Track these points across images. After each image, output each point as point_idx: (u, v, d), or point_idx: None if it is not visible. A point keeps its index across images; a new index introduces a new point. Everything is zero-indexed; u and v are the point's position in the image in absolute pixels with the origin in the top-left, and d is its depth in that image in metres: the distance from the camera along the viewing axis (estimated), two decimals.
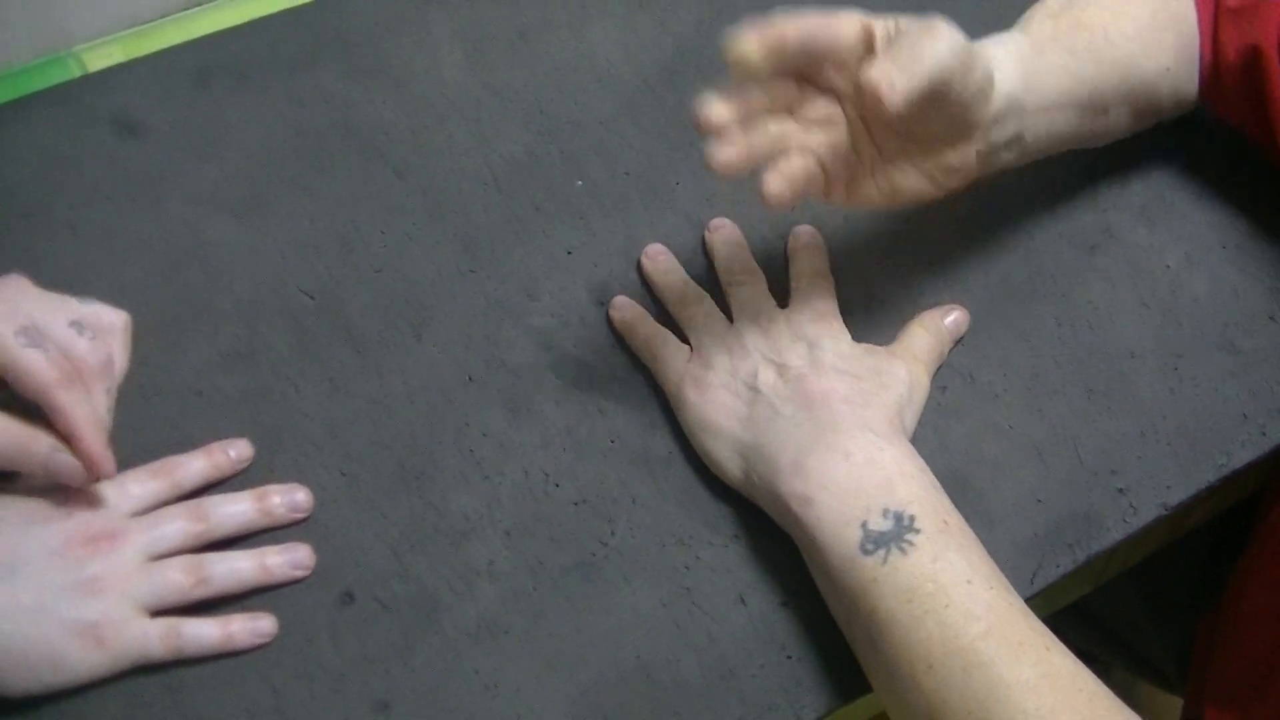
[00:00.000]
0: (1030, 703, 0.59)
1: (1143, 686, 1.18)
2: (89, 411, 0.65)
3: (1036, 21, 0.77)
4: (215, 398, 0.76)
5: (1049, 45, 0.75)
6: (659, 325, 0.78)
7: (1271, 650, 0.81)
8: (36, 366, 0.63)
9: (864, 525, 0.64)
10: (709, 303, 0.77)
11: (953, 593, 0.62)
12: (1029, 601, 0.70)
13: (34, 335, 0.64)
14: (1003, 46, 0.73)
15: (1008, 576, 0.69)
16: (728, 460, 0.71)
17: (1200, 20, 0.81)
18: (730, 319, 0.77)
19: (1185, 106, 0.83)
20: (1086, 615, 1.08)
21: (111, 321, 0.71)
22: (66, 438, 0.64)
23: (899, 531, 0.64)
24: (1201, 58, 0.81)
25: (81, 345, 0.66)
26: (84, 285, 0.79)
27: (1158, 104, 0.81)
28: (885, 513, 0.64)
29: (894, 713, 0.65)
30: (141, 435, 0.73)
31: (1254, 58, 0.79)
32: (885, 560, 0.63)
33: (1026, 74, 0.73)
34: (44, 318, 0.66)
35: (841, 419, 0.68)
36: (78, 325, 0.67)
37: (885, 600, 0.63)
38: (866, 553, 0.63)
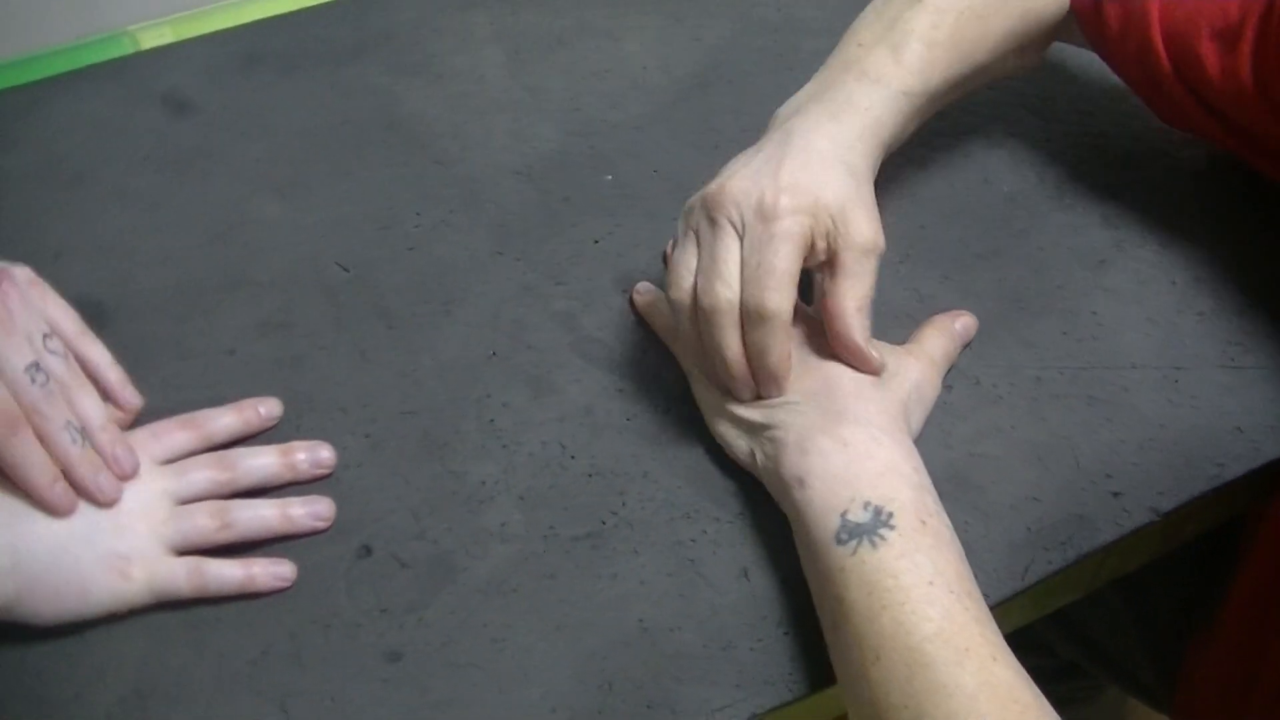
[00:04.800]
0: (964, 709, 0.59)
1: (1131, 702, 1.20)
2: (38, 459, 0.65)
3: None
4: (249, 362, 0.79)
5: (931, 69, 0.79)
6: None
7: (1246, 677, 0.83)
8: None
9: (843, 515, 0.66)
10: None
11: (912, 592, 0.63)
12: (1019, 597, 0.72)
13: None
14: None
15: (1000, 570, 0.72)
16: (737, 438, 0.73)
17: None
18: None
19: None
20: (1081, 633, 1.10)
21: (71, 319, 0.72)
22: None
23: (874, 525, 0.65)
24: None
25: (34, 390, 0.66)
26: (128, 250, 0.83)
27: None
28: (866, 505, 0.66)
29: (846, 699, 0.66)
30: (176, 393, 0.76)
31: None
32: (855, 552, 0.65)
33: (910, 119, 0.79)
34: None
35: (847, 409, 0.70)
36: (49, 339, 0.68)
37: (850, 589, 0.64)
38: (840, 542, 0.65)
